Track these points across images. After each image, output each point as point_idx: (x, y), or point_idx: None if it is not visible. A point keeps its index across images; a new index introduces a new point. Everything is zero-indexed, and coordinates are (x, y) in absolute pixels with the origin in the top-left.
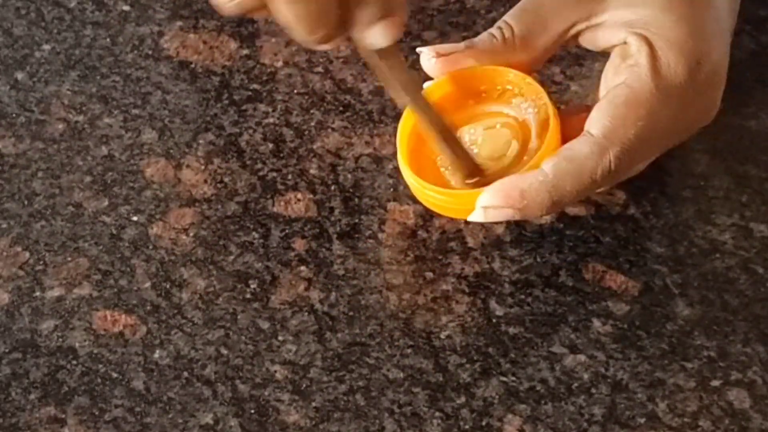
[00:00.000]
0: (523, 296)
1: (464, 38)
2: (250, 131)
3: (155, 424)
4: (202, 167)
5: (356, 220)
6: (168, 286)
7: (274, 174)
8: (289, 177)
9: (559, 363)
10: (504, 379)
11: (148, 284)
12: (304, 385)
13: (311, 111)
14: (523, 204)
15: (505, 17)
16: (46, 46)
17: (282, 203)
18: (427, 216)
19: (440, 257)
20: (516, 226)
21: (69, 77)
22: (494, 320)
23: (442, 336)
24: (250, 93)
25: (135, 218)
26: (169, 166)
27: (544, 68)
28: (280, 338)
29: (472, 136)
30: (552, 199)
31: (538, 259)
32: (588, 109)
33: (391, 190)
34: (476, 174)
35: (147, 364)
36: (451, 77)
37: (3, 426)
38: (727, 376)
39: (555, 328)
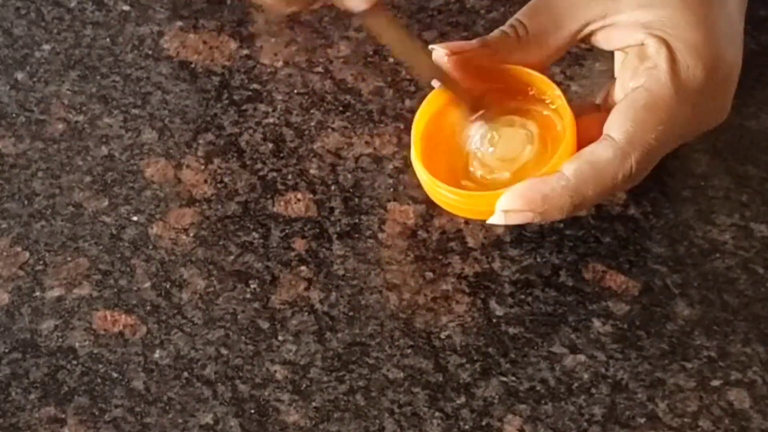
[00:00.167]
0: (523, 296)
1: (464, 38)
2: (250, 131)
3: (155, 424)
4: (202, 167)
5: (356, 220)
6: (168, 286)
7: (274, 174)
8: (289, 177)
9: (559, 363)
10: (504, 379)
11: (148, 284)
12: (304, 385)
13: (311, 111)
14: (544, 208)
15: (518, 15)
16: (46, 46)
17: (282, 203)
18: (427, 216)
19: (440, 257)
20: (516, 226)
21: (69, 77)
22: (494, 320)
23: (442, 336)
24: (250, 93)
25: (135, 218)
26: (169, 166)
27: None
28: (280, 338)
29: (490, 133)
30: (573, 203)
31: (538, 259)
32: (596, 108)
33: (391, 190)
34: (479, 107)
35: (147, 364)
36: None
37: (3, 426)
38: (727, 376)
39: (555, 328)
